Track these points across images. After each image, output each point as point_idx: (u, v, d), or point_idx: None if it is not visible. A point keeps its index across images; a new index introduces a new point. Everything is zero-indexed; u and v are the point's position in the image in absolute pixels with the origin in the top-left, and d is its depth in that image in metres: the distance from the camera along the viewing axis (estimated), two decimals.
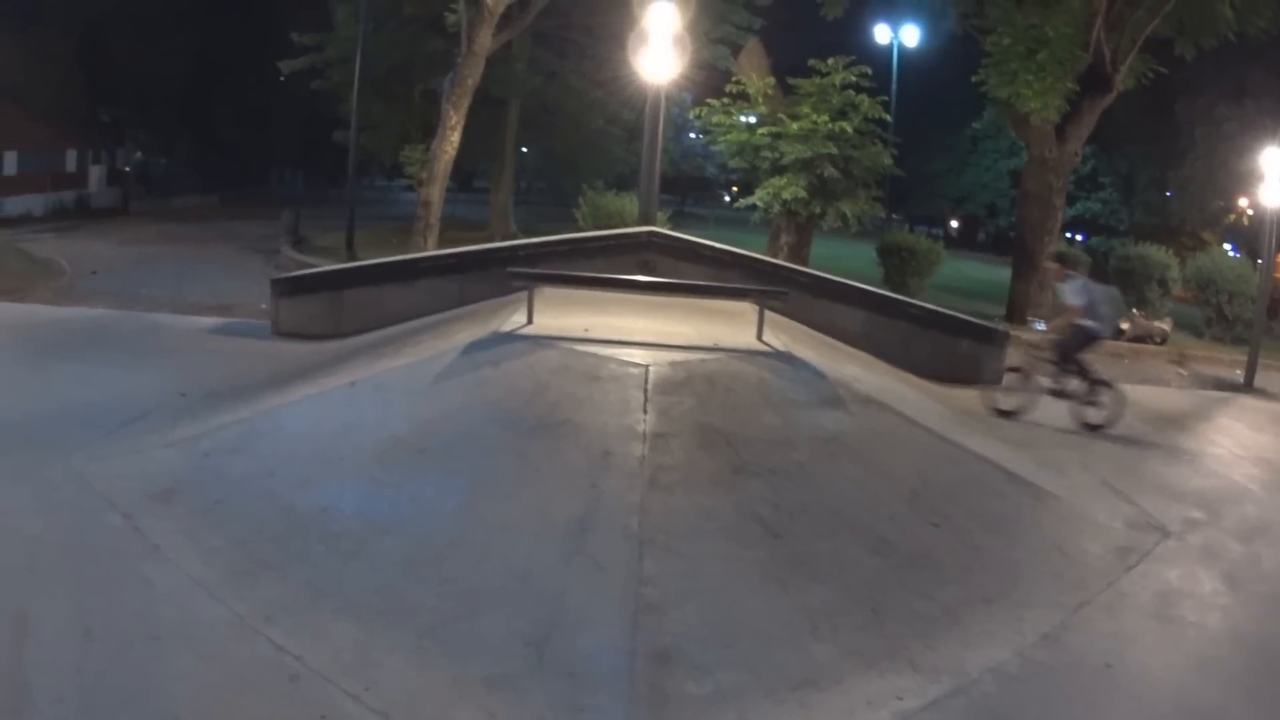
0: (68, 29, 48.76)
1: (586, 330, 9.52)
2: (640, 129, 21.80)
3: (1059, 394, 11.62)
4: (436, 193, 23.74)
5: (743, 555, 6.59)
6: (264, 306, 14.71)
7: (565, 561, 6.38)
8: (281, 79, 34.33)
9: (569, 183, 31.14)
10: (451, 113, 23.20)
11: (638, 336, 9.45)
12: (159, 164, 57.12)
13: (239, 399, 9.94)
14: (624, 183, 23.95)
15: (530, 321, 9.83)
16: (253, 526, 6.99)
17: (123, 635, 5.77)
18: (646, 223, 13.85)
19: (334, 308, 13.46)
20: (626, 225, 15.33)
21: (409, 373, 9.47)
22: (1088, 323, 11.29)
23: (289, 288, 13.92)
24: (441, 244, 22.06)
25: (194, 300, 17.26)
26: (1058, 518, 8.04)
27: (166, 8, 49.79)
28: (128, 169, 54.21)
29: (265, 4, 46.38)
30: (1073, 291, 11.35)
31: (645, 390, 8.19)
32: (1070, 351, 11.44)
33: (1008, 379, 12.12)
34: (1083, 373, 11.49)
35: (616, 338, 9.34)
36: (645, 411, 7.88)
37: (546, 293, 10.32)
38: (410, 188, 26.79)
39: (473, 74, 23.20)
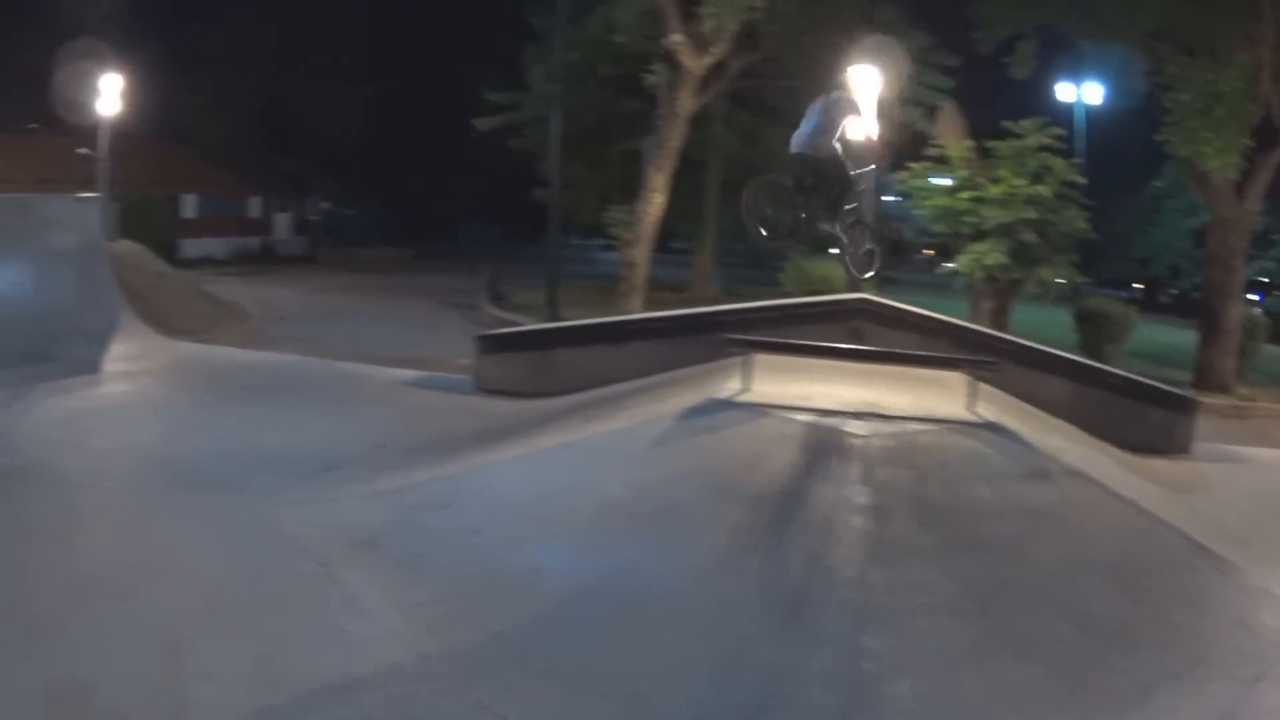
0: (249, 78, 50.94)
1: (801, 399, 9.60)
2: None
3: None
4: (641, 254, 24.38)
5: (954, 630, 6.61)
6: (464, 361, 14.77)
7: (783, 633, 6.35)
8: (474, 136, 35.16)
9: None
10: (655, 174, 23.76)
11: (851, 405, 9.53)
12: (347, 215, 58.95)
13: (443, 454, 9.99)
14: (822, 246, 24.24)
15: (746, 389, 9.94)
16: (456, 583, 7.01)
17: (311, 684, 5.81)
18: (854, 289, 14.05)
19: (541, 366, 13.39)
20: (832, 291, 15.50)
21: (623, 437, 9.49)
22: None
23: (495, 344, 13.98)
24: (646, 306, 22.50)
25: (389, 352, 17.43)
26: (1240, 590, 7.94)
27: (351, 61, 51.64)
28: (315, 218, 56.15)
29: (453, 59, 47.66)
30: None
31: (863, 461, 8.31)
32: None
33: None
34: None
35: (831, 406, 9.42)
36: (862, 483, 7.98)
37: (761, 360, 10.34)
38: (607, 247, 27.28)
39: (675, 136, 23.78)
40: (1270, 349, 25.84)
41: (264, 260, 44.98)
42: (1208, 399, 15.54)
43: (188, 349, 15.80)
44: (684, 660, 6.19)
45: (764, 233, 12.91)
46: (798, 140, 12.19)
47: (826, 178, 12.24)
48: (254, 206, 51.99)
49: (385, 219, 57.44)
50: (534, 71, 32.47)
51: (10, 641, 5.97)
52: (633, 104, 28.92)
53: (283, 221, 52.87)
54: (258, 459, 9.91)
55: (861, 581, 6.86)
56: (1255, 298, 42.91)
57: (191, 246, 42.49)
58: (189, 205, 47.26)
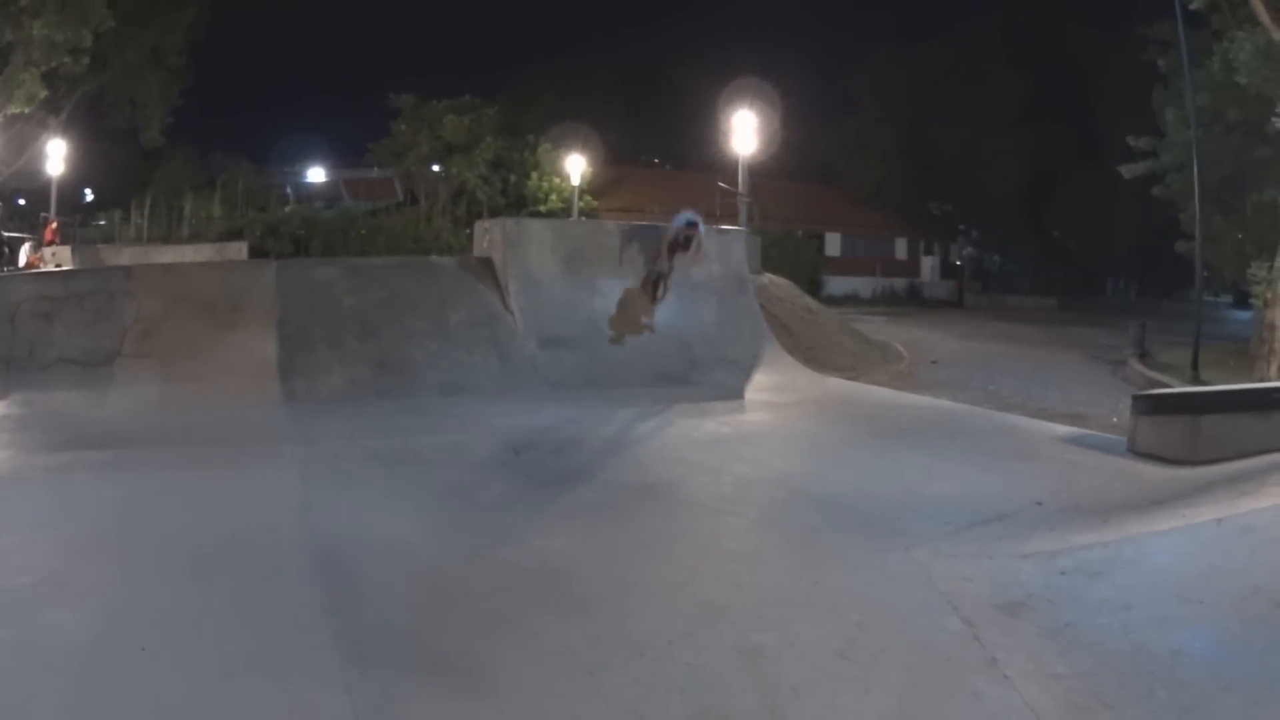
0: (896, 122, 52.54)
1: None
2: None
3: None
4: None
5: None
6: (1115, 420, 14.35)
7: None
8: (1118, 185, 34.77)
9: None
10: None
11: None
12: (993, 261, 59.08)
13: (1096, 518, 9.47)
14: None
15: None
16: (1100, 659, 6.49)
17: None
18: None
19: (1191, 432, 12.44)
20: None
21: (1273, 516, 8.57)
22: None
23: (1149, 406, 13.17)
24: None
25: (1043, 404, 17.21)
26: None
27: (999, 108, 52.10)
28: (960, 263, 56.69)
29: (1101, 107, 46.91)
30: None
31: None
32: None
33: None
34: None
35: None
36: None
37: None
38: (1235, 304, 25.99)
39: None
40: None
41: (908, 302, 45.87)
42: None
43: (837, 384, 16.20)
44: None
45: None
46: None
47: None
48: (900, 248, 53.32)
49: (1032, 267, 57.25)
50: (1166, 115, 31.56)
51: (622, 657, 6.18)
52: (1261, 150, 27.24)
53: (928, 264, 53.93)
54: (911, 503, 9.84)
55: None
56: None
57: (836, 284, 44.01)
58: (833, 244, 49.15)
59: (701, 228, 15.80)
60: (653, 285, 16.17)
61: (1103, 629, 6.91)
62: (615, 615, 6.83)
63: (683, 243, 15.61)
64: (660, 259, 15.81)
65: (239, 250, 34.24)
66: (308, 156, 59.31)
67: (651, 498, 9.70)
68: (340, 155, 57.98)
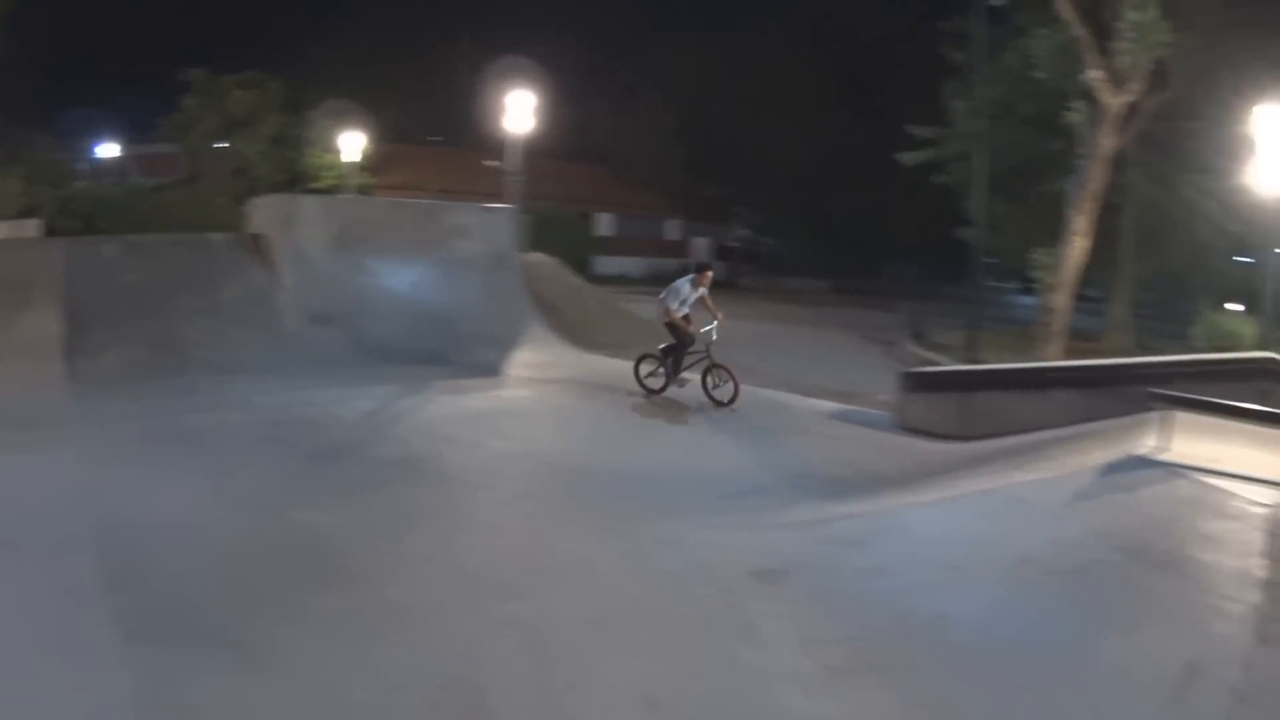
0: (675, 104, 52.75)
1: (1214, 461, 9.26)
2: (1246, 243, 20.92)
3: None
4: (1062, 300, 23.95)
5: None
6: (884, 397, 14.91)
7: (1165, 709, 6.05)
8: (899, 172, 35.31)
9: (1176, 297, 30.22)
10: (1076, 217, 23.42)
11: (1262, 472, 9.06)
12: (768, 244, 59.88)
13: (860, 490, 10.10)
14: (1228, 300, 23.10)
15: (1164, 447, 9.71)
16: (861, 624, 6.90)
17: (695, 712, 5.78)
18: (1265, 347, 13.25)
19: (962, 409, 13.54)
20: (1240, 348, 14.85)
21: (1043, 489, 9.39)
22: None
23: (917, 383, 14.21)
24: (1065, 354, 22.04)
25: (810, 381, 17.70)
26: None
27: (781, 94, 52.62)
28: (735, 245, 57.42)
29: (884, 95, 47.86)
30: None
31: (1268, 533, 7.88)
32: None
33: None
34: None
35: (1243, 472, 9.02)
36: (1265, 556, 7.56)
37: (1176, 416, 10.06)
38: (1022, 290, 26.86)
39: (1096, 178, 23.29)
40: None
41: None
42: None
43: (599, 362, 16.65)
44: None
45: (646, 389, 14.99)
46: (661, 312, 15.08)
47: (675, 335, 14.86)
48: (672, 229, 53.60)
49: (807, 250, 58.05)
50: (955, 106, 32.43)
51: (383, 629, 6.50)
52: (1053, 143, 28.21)
53: (701, 245, 54.27)
54: (671, 475, 10.31)
55: (1245, 661, 6.44)
56: None
57: (607, 264, 43.94)
58: (606, 224, 49.12)
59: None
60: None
61: (864, 595, 7.39)
62: (376, 587, 7.18)
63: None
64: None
65: (34, 228, 32.89)
66: (105, 131, 56.35)
67: (412, 472, 10.09)
68: (136, 130, 55.28)
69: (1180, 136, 28.05)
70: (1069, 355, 19.32)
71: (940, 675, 6.35)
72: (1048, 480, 9.68)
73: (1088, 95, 23.78)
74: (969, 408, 13.54)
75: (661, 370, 14.95)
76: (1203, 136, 25.80)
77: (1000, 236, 31.70)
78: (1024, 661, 6.53)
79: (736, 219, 60.28)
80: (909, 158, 33.82)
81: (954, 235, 32.91)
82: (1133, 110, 24.48)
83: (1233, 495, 8.64)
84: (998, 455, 11.40)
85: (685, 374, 14.92)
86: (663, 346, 15.04)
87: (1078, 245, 24.12)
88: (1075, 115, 24.45)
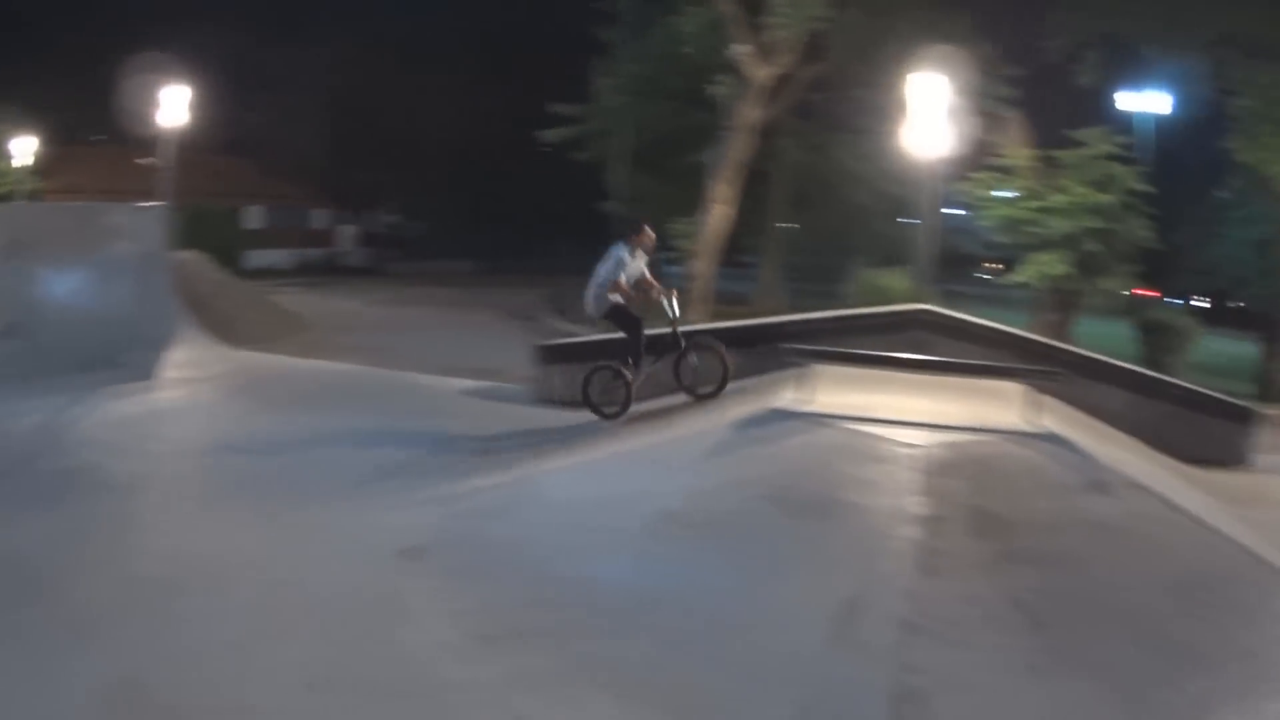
0: (322, 92, 51.36)
1: (859, 409, 9.58)
2: (905, 204, 21.90)
3: None
4: (705, 266, 24.57)
5: (1007, 644, 6.54)
6: (525, 373, 14.81)
7: (833, 645, 6.34)
8: (544, 150, 35.18)
9: (834, 258, 30.97)
10: (719, 186, 23.89)
11: (909, 416, 9.51)
12: (417, 228, 58.96)
13: (499, 462, 10.17)
14: (890, 259, 24.05)
15: (804, 398, 9.92)
16: (508, 592, 7.06)
17: (355, 691, 5.87)
18: (918, 300, 13.87)
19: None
20: (896, 303, 15.49)
21: (680, 446, 9.56)
22: None
23: (553, 355, 14.21)
24: (710, 318, 22.29)
25: (453, 362, 17.54)
26: None
27: (429, 76, 51.87)
28: (382, 230, 56.37)
29: (531, 74, 47.72)
30: None
31: (919, 472, 8.28)
32: None
33: None
34: None
35: (889, 417, 9.41)
36: (919, 494, 7.94)
37: (817, 369, 10.29)
38: (672, 261, 27.30)
39: (739, 148, 23.87)
40: None
41: (327, 272, 45.18)
42: (1272, 411, 15.26)
43: (248, 357, 16.06)
44: (736, 673, 6.18)
45: (603, 414, 12.17)
46: (591, 308, 12.29)
47: (623, 325, 12.25)
48: (319, 218, 52.31)
49: (454, 231, 57.41)
50: (600, 84, 32.50)
51: (61, 637, 6.29)
52: (699, 116, 28.54)
53: (347, 233, 53.16)
54: (318, 462, 10.22)
55: (913, 593, 6.81)
56: None
57: (257, 257, 42.75)
58: (255, 216, 47.64)
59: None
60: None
61: (507, 563, 7.53)
62: (57, 595, 6.94)
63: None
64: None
65: None
66: None
67: (79, 482, 9.62)
68: None
69: (838, 105, 28.85)
70: (716, 320, 19.46)
71: (590, 635, 6.51)
72: (683, 438, 9.85)
73: (734, 69, 24.23)
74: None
75: (621, 380, 12.09)
76: (860, 104, 26.59)
77: (646, 209, 31.36)
78: (675, 615, 6.68)
79: (385, 204, 58.89)
80: (552, 135, 33.53)
81: (600, 210, 32.88)
82: (785, 81, 25.22)
83: (883, 440, 8.95)
84: (631, 419, 11.53)
85: (648, 367, 12.30)
86: (617, 339, 12.47)
87: (719, 213, 24.76)
88: (721, 89, 24.91)
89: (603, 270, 12.02)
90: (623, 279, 11.95)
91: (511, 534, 8.03)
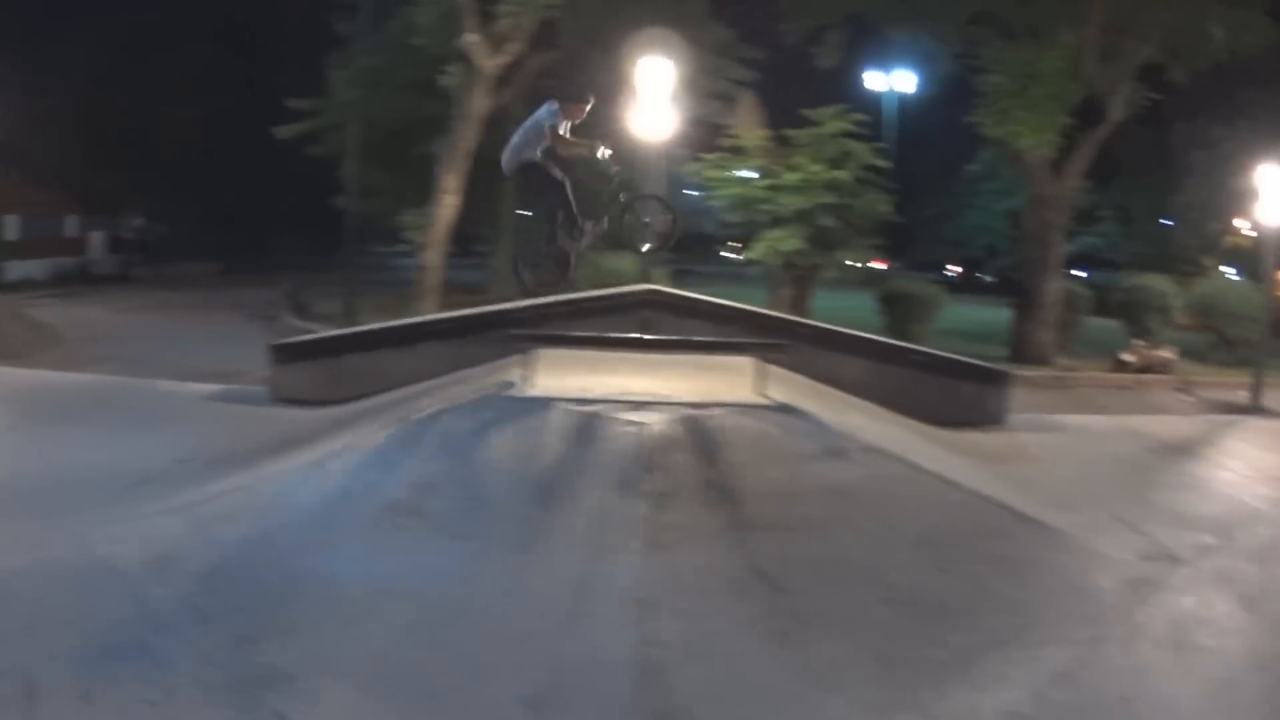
0: (69, 95, 49.37)
1: (585, 390, 9.55)
2: (636, 187, 21.72)
3: None
4: (434, 257, 24.27)
5: (748, 612, 6.59)
6: (265, 373, 14.47)
7: (567, 624, 6.40)
8: (282, 145, 34.27)
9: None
10: (448, 176, 23.54)
11: (637, 395, 9.45)
12: (161, 231, 57.24)
13: (238, 465, 9.95)
14: (621, 242, 23.96)
15: (529, 383, 9.85)
16: (253, 593, 6.97)
17: (122, 700, 5.78)
18: (645, 281, 13.72)
19: (333, 373, 13.32)
20: (625, 284, 15.31)
21: (406, 436, 9.45)
22: None
23: (287, 354, 13.83)
24: (442, 308, 22.01)
25: (194, 367, 17.25)
26: (1068, 554, 7.96)
27: (168, 74, 50.32)
28: (129, 235, 54.50)
29: (269, 71, 46.70)
30: None
31: (645, 448, 8.24)
32: None
33: None
34: None
35: (616, 397, 9.35)
36: (646, 470, 7.92)
37: (545, 354, 10.28)
38: (408, 253, 26.92)
39: (468, 137, 23.55)
40: (1096, 321, 26.12)
41: (80, 281, 44.00)
42: (1026, 371, 15.75)
43: (4, 374, 15.39)
44: (473, 657, 6.20)
45: (540, 286, 12.16)
46: (505, 164, 11.53)
47: (539, 187, 11.74)
48: (71, 226, 50.55)
49: (197, 233, 55.94)
50: (335, 77, 31.89)
51: None
52: (432, 108, 28.03)
53: (97, 240, 51.44)
54: (64, 477, 9.76)
55: (643, 567, 6.88)
56: (1082, 273, 43.09)
57: (14, 269, 41.44)
58: (10, 227, 45.75)
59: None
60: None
61: (250, 565, 7.32)
62: None
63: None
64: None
65: None
66: None
67: None
68: None
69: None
70: (447, 310, 19.06)
71: (332, 629, 6.49)
72: (409, 429, 9.69)
73: (465, 59, 23.89)
74: (339, 372, 13.33)
75: (554, 245, 11.58)
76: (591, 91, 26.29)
77: (379, 201, 31.36)
78: (409, 604, 6.68)
79: (131, 208, 56.77)
80: (285, 130, 32.69)
81: (334, 205, 32.17)
82: (518, 68, 25.07)
83: (609, 419, 8.85)
84: (364, 414, 11.34)
85: (590, 225, 11.68)
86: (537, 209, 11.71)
87: (448, 203, 24.41)
88: (451, 78, 24.61)
89: (524, 126, 11.43)
90: (560, 127, 11.15)
91: (252, 535, 7.84)
